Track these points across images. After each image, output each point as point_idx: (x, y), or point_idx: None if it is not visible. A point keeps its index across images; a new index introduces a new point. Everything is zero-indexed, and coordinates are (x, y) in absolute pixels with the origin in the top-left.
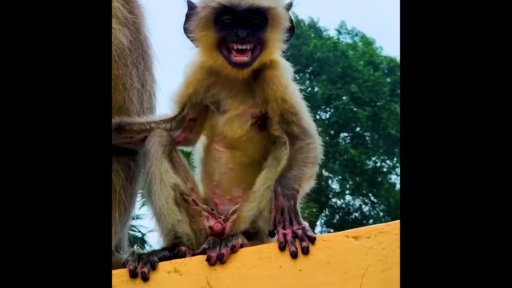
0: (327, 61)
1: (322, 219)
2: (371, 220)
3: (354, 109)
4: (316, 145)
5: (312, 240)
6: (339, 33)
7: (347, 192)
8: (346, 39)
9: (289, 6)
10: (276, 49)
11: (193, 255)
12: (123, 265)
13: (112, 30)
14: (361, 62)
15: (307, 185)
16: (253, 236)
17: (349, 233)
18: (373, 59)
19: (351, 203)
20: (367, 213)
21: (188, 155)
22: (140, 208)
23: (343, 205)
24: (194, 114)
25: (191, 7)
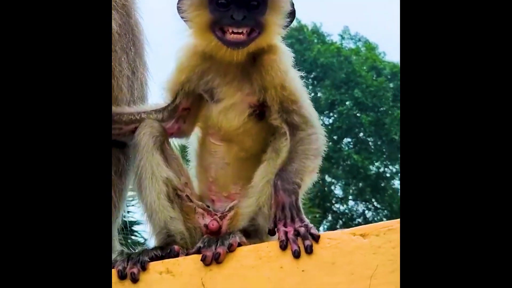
0: (330, 66)
1: (325, 225)
2: None
3: (358, 114)
4: (319, 136)
5: (316, 238)
6: (342, 38)
7: (350, 197)
8: (349, 44)
9: None
10: (275, 34)
11: (187, 254)
12: (111, 266)
13: None
14: (364, 68)
15: (309, 179)
16: (252, 234)
17: (356, 230)
18: (376, 64)
19: (354, 209)
20: (370, 218)
21: (182, 149)
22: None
23: (346, 211)
24: (188, 103)
25: None
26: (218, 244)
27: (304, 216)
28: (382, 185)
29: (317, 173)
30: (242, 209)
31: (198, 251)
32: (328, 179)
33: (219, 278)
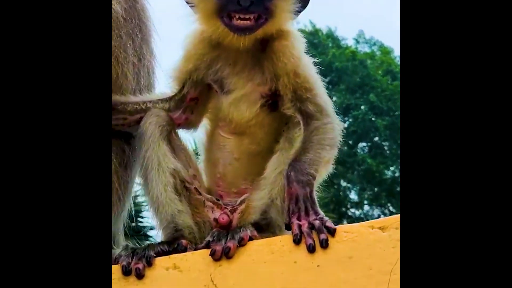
0: (345, 70)
1: None
2: None
3: (373, 118)
4: (334, 125)
5: (332, 231)
6: (357, 42)
7: (365, 202)
8: (364, 48)
9: None
10: (285, 20)
11: (195, 249)
12: (115, 261)
13: None
14: (380, 72)
15: (325, 170)
16: (264, 228)
17: (375, 223)
18: (391, 68)
19: (370, 213)
20: None
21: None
22: None
23: (362, 215)
24: (196, 93)
25: None
26: (228, 238)
27: (319, 209)
28: (398, 189)
29: (332, 164)
30: (253, 202)
31: (207, 246)
32: (343, 183)
33: (229, 274)
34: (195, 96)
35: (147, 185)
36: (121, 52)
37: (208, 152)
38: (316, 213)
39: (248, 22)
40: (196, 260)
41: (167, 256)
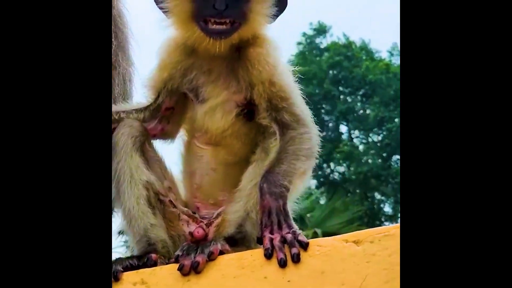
0: (379, 83)
1: None
2: None
3: None
4: (312, 135)
5: (304, 245)
6: (391, 55)
7: (399, 215)
8: (398, 61)
9: None
10: (260, 24)
11: (167, 264)
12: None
13: None
14: None
15: (300, 181)
16: (239, 241)
17: (349, 237)
18: None
19: None
20: None
21: None
22: None
23: None
24: (171, 103)
25: None
26: (198, 252)
27: (292, 222)
28: None
29: (309, 175)
30: (229, 215)
31: (176, 260)
32: (377, 196)
33: None
34: (170, 106)
35: (120, 198)
36: None
37: (186, 163)
38: (289, 227)
39: (224, 26)
40: (164, 275)
41: (135, 271)
